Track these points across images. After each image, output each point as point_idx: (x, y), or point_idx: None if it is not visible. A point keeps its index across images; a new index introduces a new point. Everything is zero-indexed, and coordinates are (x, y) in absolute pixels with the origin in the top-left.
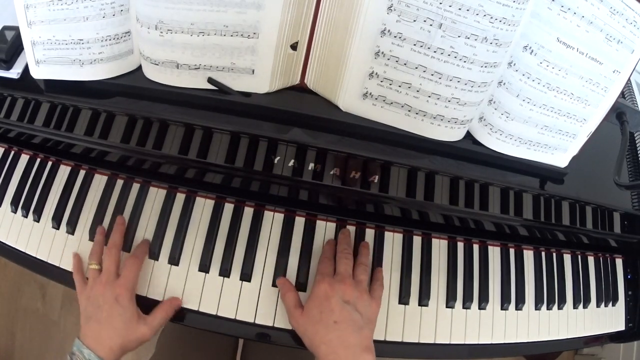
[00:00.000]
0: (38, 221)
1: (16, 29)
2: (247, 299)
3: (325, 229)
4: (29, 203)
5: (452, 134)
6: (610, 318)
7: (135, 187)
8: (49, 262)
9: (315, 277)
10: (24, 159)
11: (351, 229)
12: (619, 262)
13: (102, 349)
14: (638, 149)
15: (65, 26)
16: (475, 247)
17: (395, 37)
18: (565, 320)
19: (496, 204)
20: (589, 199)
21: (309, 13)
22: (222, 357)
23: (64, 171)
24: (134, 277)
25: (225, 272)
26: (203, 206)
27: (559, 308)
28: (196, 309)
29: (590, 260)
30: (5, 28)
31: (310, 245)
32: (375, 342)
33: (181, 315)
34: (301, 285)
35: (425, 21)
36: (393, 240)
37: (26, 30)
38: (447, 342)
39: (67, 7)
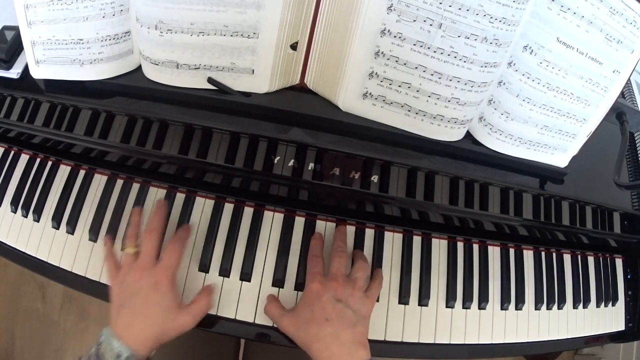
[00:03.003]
0: (38, 221)
1: (16, 29)
2: (247, 299)
3: (325, 228)
4: (28, 203)
5: (452, 134)
6: (610, 318)
7: (135, 187)
8: (49, 262)
9: (306, 276)
10: (24, 159)
11: (351, 228)
12: (619, 262)
13: (133, 339)
14: (638, 149)
15: (65, 26)
16: (475, 247)
17: (395, 37)
18: (565, 320)
19: (496, 204)
20: (589, 199)
21: (309, 13)
22: (223, 357)
23: (63, 171)
24: (176, 263)
25: (225, 272)
26: (203, 206)
27: (559, 308)
28: None
29: (590, 260)
30: (5, 28)
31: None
32: (375, 342)
33: None
34: (301, 285)
35: (425, 21)
36: (393, 240)
37: (26, 30)
38: (447, 342)
39: (67, 7)
